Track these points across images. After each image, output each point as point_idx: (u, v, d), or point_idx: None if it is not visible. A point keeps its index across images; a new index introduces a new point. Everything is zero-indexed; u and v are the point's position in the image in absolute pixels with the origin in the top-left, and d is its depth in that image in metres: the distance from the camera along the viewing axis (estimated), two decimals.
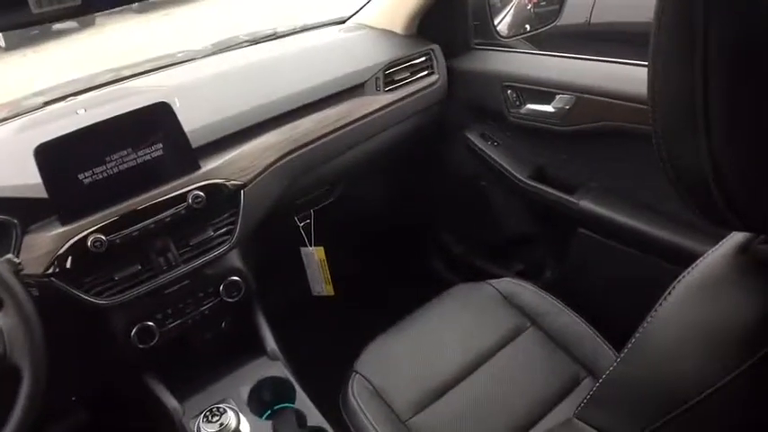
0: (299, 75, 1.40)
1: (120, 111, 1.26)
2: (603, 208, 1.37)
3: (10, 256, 0.98)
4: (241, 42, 1.68)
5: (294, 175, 1.31)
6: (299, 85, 1.37)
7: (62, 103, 1.45)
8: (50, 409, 0.95)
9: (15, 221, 1.07)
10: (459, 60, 1.60)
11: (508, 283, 1.37)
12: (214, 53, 1.64)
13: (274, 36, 1.73)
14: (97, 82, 1.64)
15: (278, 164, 1.27)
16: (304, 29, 1.73)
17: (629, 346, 0.58)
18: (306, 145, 1.32)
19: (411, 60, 1.52)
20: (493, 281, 1.38)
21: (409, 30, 1.57)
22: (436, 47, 1.57)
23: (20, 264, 0.98)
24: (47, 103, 1.46)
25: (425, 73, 1.55)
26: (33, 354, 0.90)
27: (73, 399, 1.57)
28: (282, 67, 1.43)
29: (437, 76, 1.56)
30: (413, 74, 1.52)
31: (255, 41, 1.68)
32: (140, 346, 1.17)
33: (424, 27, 1.58)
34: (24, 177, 1.08)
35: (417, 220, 1.99)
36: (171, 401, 1.19)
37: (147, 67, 1.65)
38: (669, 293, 0.56)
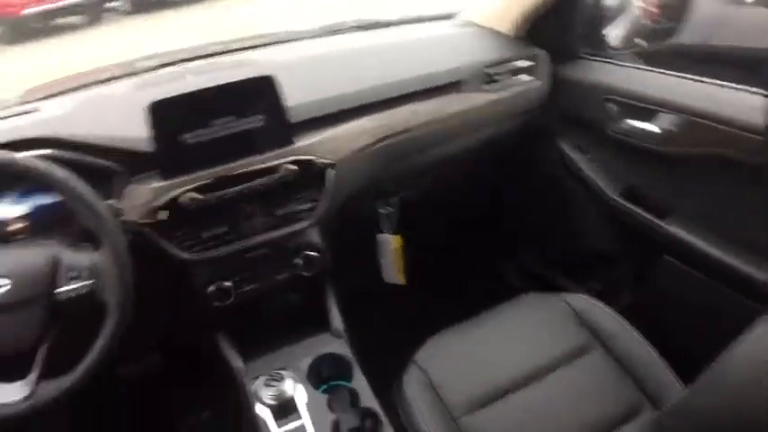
0: (401, 64, 1.42)
1: (227, 80, 1.33)
2: (693, 236, 1.30)
3: (112, 201, 1.06)
4: (348, 27, 1.72)
5: (384, 161, 1.33)
6: (400, 74, 1.39)
7: (174, 68, 1.54)
8: (128, 350, 1.02)
9: (121, 170, 1.15)
10: (564, 68, 1.57)
11: (581, 300, 1.34)
12: (320, 35, 1.69)
13: (381, 24, 1.76)
14: (207, 51, 1.73)
15: (370, 148, 1.30)
16: (411, 20, 1.74)
17: (702, 377, 0.56)
18: (399, 134, 1.34)
19: (515, 62, 1.50)
20: (566, 295, 1.36)
21: (517, 32, 1.55)
22: (542, 52, 1.54)
23: (120, 210, 1.06)
24: (160, 66, 1.56)
25: (528, 77, 1.52)
26: (120, 294, 0.97)
27: (150, 345, 1.68)
28: (386, 55, 1.45)
29: (540, 82, 1.54)
30: (515, 76, 1.51)
31: (362, 27, 1.71)
32: (216, 303, 1.23)
33: (533, 31, 1.56)
34: (134, 131, 1.15)
35: (497, 222, 1.97)
36: (236, 361, 1.25)
37: (255, 42, 1.72)
38: (751, 329, 0.54)
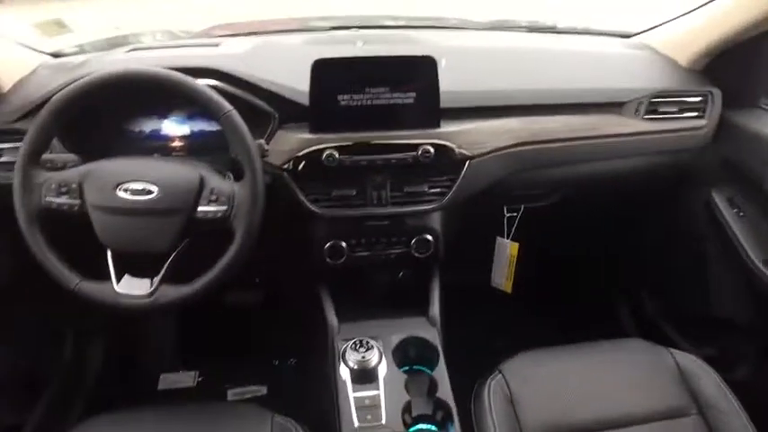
0: (562, 73, 1.39)
1: (391, 53, 1.38)
2: None
3: (262, 141, 1.13)
4: (518, 26, 1.70)
5: (521, 166, 1.32)
6: (559, 82, 1.36)
7: (345, 32, 1.61)
8: (238, 279, 1.10)
9: (276, 115, 1.23)
10: (737, 114, 1.44)
11: (690, 360, 1.25)
12: (489, 28, 1.69)
13: (553, 29, 1.72)
14: (380, 23, 1.78)
15: (510, 150, 1.29)
16: (585, 32, 1.69)
17: None
18: (543, 142, 1.31)
19: (684, 96, 1.41)
20: (675, 351, 1.27)
21: (694, 65, 1.45)
22: (717, 91, 1.43)
23: (267, 151, 1.14)
24: (333, 28, 1.63)
25: (694, 114, 1.42)
26: (249, 224, 1.05)
27: (257, 280, 1.79)
28: (549, 61, 1.42)
29: (705, 122, 1.43)
30: (681, 111, 1.41)
31: (532, 29, 1.69)
32: (328, 259, 1.29)
33: (712, 67, 1.45)
34: (297, 82, 1.22)
35: (618, 257, 1.88)
36: (332, 318, 1.30)
37: (426, 23, 1.75)
38: None
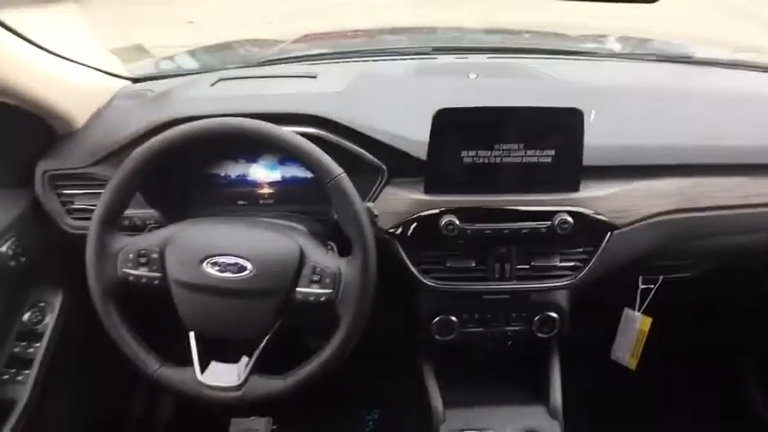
0: (726, 123, 1.13)
1: (515, 91, 1.17)
2: None
3: (370, 205, 0.95)
4: (650, 55, 1.45)
5: (672, 236, 1.08)
6: (724, 136, 1.11)
7: (452, 58, 1.40)
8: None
9: (385, 169, 1.04)
10: None
11: None
12: (620, 57, 1.45)
13: (689, 60, 1.47)
14: (488, 44, 1.57)
15: (661, 218, 1.06)
16: (733, 63, 1.42)
17: None
18: (702, 210, 1.07)
19: None
20: None
21: None
22: None
23: (377, 217, 0.95)
24: (435, 50, 1.42)
25: None
26: (359, 312, 0.88)
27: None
28: (706, 106, 1.17)
29: None
30: None
31: (668, 59, 1.44)
32: (437, 337, 1.11)
33: None
34: (408, 128, 1.03)
35: (759, 344, 1.62)
36: (437, 402, 1.13)
37: (546, 45, 1.52)
38: None
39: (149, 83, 1.27)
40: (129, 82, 1.28)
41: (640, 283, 1.20)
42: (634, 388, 1.45)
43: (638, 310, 1.24)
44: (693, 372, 1.64)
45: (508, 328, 1.13)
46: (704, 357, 1.65)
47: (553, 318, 1.11)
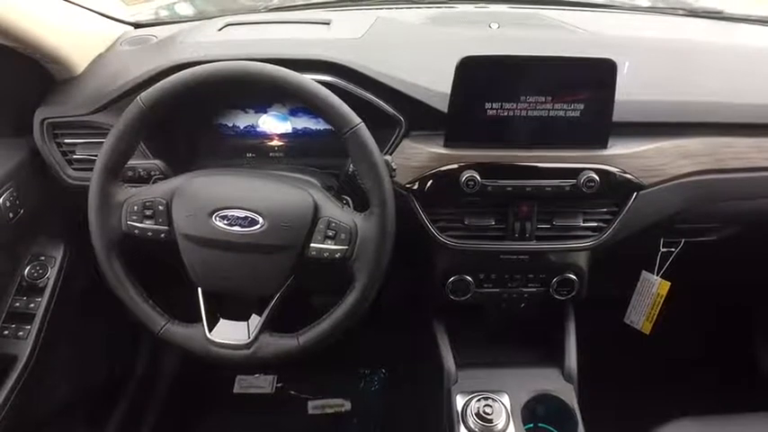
0: (757, 80, 1.08)
1: (541, 42, 1.12)
2: None
3: (389, 158, 0.90)
4: (680, 10, 1.38)
5: (699, 198, 1.04)
6: (752, 94, 1.05)
7: (471, 6, 1.33)
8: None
9: (402, 120, 0.99)
10: None
11: None
12: (646, 11, 1.38)
13: (719, 15, 1.40)
14: None
15: (689, 179, 1.01)
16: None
17: None
18: (731, 171, 1.03)
19: None
20: None
21: None
22: None
23: (395, 170, 0.90)
24: None
25: None
26: (375, 270, 0.84)
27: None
28: (739, 63, 1.11)
29: None
30: None
31: (697, 14, 1.37)
32: (452, 297, 1.07)
33: None
34: (428, 78, 0.98)
35: None
36: (450, 363, 1.11)
37: None
38: None
39: (152, 28, 1.21)
40: (131, 27, 1.22)
41: (661, 246, 1.16)
42: (646, 352, 1.42)
43: (657, 274, 1.20)
44: (707, 337, 1.62)
45: (525, 290, 1.09)
46: (719, 321, 1.63)
47: (572, 279, 1.07)
